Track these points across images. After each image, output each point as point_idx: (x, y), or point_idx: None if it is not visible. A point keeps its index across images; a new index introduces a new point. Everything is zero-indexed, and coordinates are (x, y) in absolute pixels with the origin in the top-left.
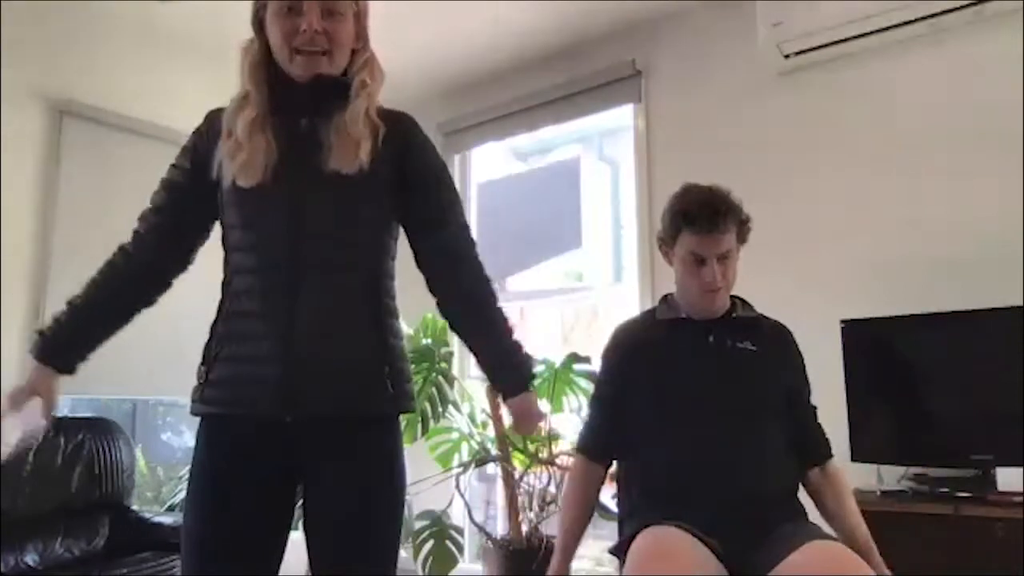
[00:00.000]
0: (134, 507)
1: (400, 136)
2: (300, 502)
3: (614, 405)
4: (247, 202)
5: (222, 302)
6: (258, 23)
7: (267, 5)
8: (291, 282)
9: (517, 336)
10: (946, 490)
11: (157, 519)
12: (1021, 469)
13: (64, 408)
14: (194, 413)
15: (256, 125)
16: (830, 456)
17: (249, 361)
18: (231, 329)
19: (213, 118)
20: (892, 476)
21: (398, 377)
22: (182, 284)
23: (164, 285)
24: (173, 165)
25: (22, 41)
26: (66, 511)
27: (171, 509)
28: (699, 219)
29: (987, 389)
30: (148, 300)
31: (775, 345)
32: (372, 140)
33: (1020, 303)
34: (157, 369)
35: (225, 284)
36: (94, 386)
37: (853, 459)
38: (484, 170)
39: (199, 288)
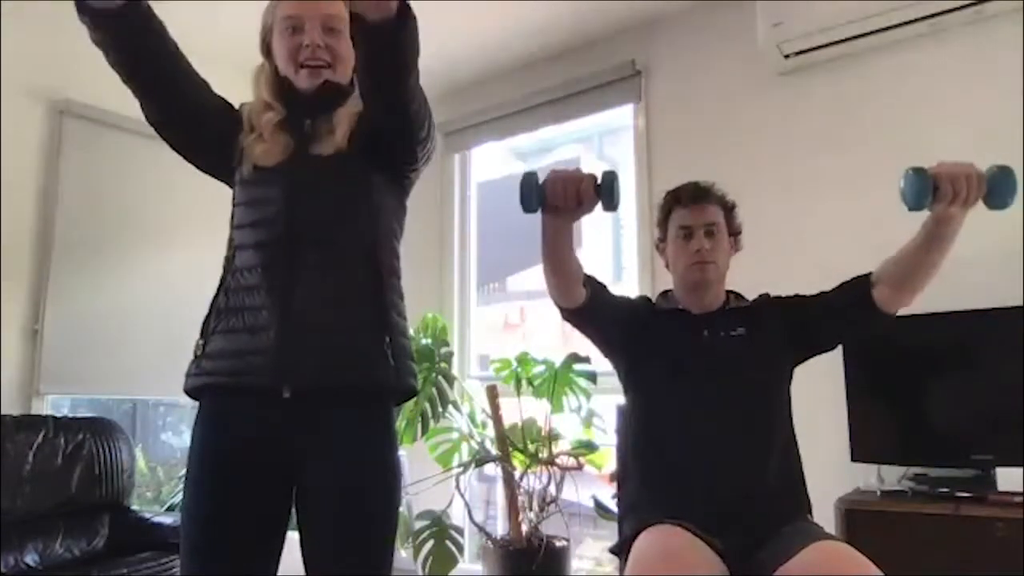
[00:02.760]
0: (134, 507)
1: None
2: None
3: (617, 304)
4: (254, 183)
5: (223, 279)
6: (266, 48)
7: (272, 30)
8: (290, 256)
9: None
10: (946, 490)
11: (157, 519)
12: (1021, 469)
13: (64, 408)
14: (189, 389)
15: (280, 126)
16: (868, 278)
17: (247, 331)
18: (231, 303)
19: (241, 105)
20: (892, 476)
21: (399, 351)
22: (180, 284)
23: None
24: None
25: (22, 41)
26: (66, 511)
27: (171, 509)
28: (683, 195)
29: (987, 389)
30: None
31: (763, 316)
32: (352, 120)
33: (1020, 303)
34: (157, 369)
35: (227, 261)
36: (94, 386)
37: (853, 459)
38: (484, 170)
39: (198, 288)
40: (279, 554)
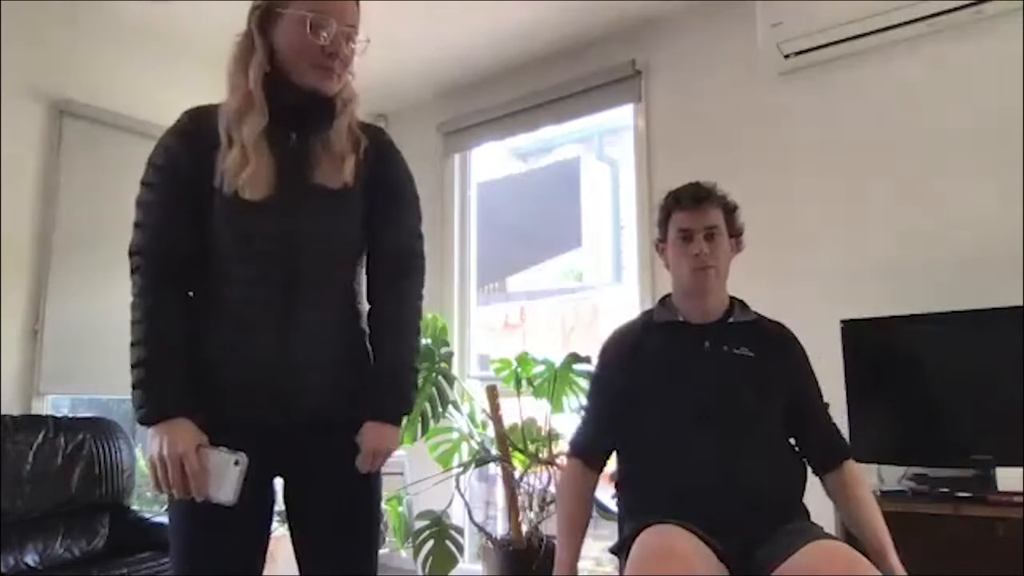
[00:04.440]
0: (134, 507)
1: (378, 152)
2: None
3: (608, 410)
4: (243, 213)
5: (212, 308)
6: (263, 24)
7: (279, 10)
8: (286, 293)
9: (410, 367)
10: (946, 490)
11: (157, 519)
12: (1021, 469)
13: (64, 408)
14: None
15: (262, 136)
16: (844, 458)
17: (243, 367)
18: (224, 337)
19: (199, 119)
20: (892, 476)
21: None
22: None
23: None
24: (155, 170)
25: (22, 41)
26: (66, 511)
27: None
28: (685, 196)
29: (987, 389)
30: (189, 317)
31: (775, 348)
32: (355, 155)
33: (1020, 303)
34: None
35: (215, 292)
36: (94, 386)
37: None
38: (484, 170)
39: None
40: (265, 550)
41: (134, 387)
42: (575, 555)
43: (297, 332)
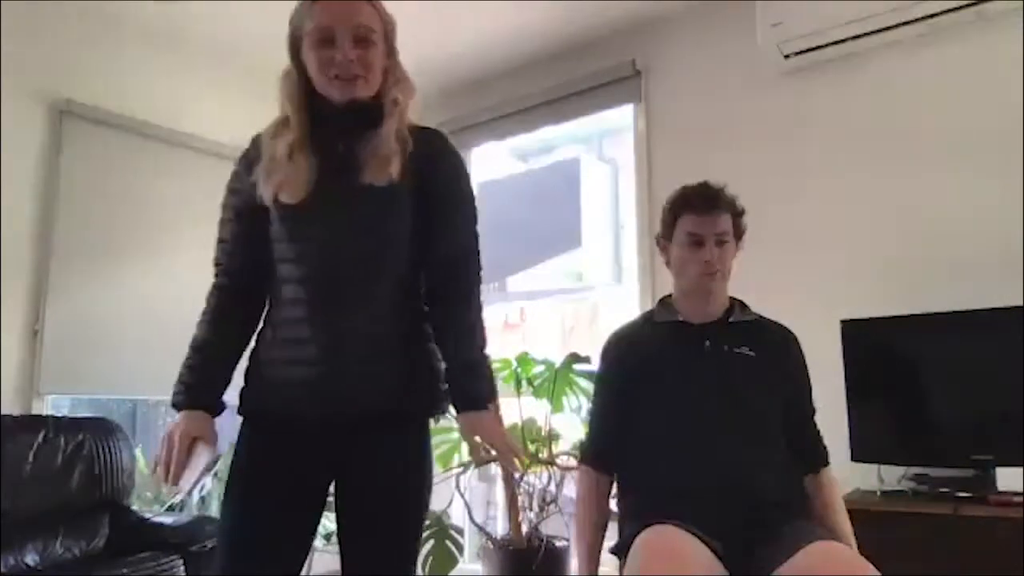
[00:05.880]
0: (134, 507)
1: (427, 153)
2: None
3: (614, 412)
4: (289, 217)
5: (269, 311)
6: (294, 50)
7: (301, 34)
8: (333, 291)
9: (485, 358)
10: (946, 490)
11: (157, 519)
12: (1021, 469)
13: (64, 408)
14: (240, 413)
15: (297, 146)
16: (824, 465)
17: (293, 364)
18: (277, 335)
19: (259, 142)
20: (892, 476)
21: (435, 377)
22: (180, 283)
23: (263, 304)
24: (228, 192)
25: (22, 41)
26: (66, 511)
27: (171, 509)
28: (696, 200)
29: (987, 389)
30: (255, 326)
31: (775, 349)
32: (402, 155)
33: (1020, 303)
34: (157, 369)
35: (272, 294)
36: (94, 386)
37: (853, 459)
38: (484, 170)
39: (199, 288)
40: (307, 552)
41: (179, 376)
42: (596, 555)
43: (345, 327)
